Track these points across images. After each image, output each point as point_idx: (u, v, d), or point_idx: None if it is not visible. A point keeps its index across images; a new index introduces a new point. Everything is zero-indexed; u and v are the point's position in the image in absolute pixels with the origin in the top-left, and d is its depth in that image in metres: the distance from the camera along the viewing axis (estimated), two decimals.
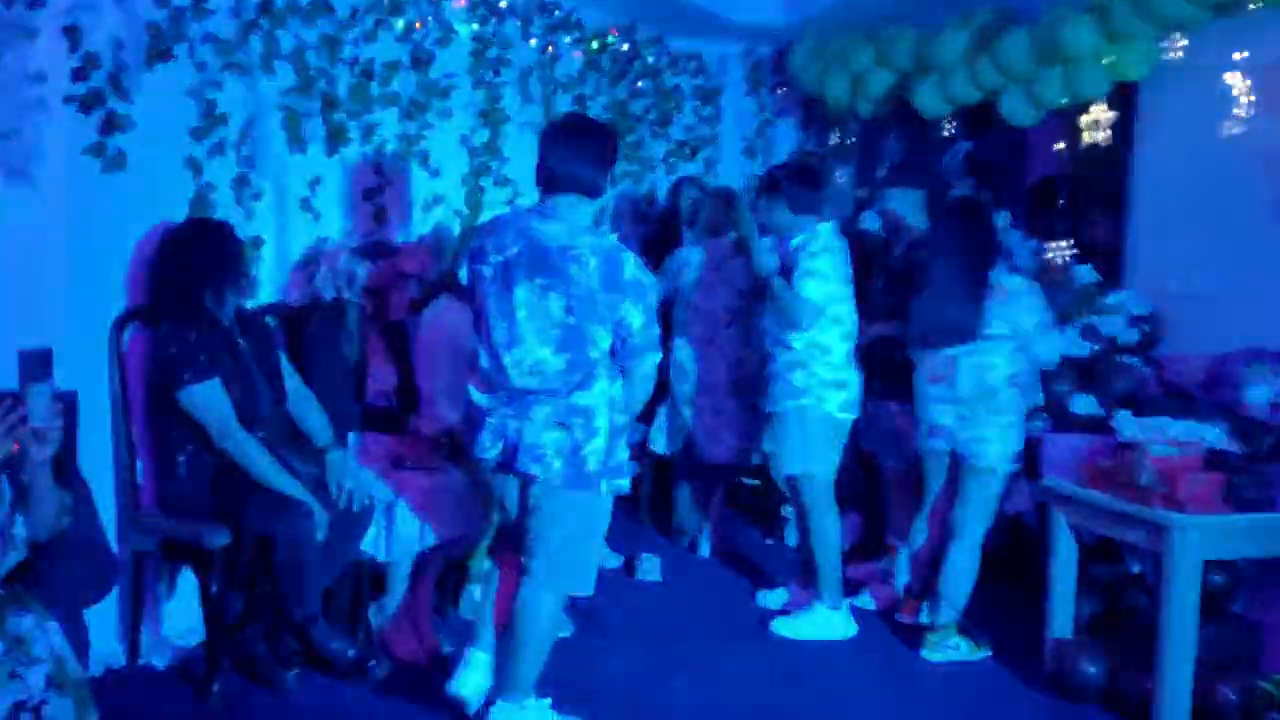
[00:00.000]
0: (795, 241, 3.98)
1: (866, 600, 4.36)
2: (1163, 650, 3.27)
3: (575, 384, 2.86)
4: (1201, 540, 3.24)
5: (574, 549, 2.98)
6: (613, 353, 2.93)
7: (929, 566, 4.12)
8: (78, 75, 3.21)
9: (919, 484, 4.19)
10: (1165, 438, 3.36)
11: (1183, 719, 3.27)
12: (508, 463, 2.94)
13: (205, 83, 3.63)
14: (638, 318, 2.89)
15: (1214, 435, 3.41)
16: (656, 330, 2.97)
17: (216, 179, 3.69)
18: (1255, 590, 3.69)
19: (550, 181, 2.90)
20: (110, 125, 3.28)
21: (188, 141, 3.62)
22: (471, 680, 3.17)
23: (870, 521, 4.97)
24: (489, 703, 3.10)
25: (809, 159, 5.65)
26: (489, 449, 2.97)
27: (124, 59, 3.32)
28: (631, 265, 2.89)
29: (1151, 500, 3.29)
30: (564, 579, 3.02)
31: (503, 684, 3.05)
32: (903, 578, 4.37)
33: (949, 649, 3.87)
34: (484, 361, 2.94)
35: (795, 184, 4.00)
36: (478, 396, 2.99)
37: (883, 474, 4.69)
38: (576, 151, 2.90)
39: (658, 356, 2.99)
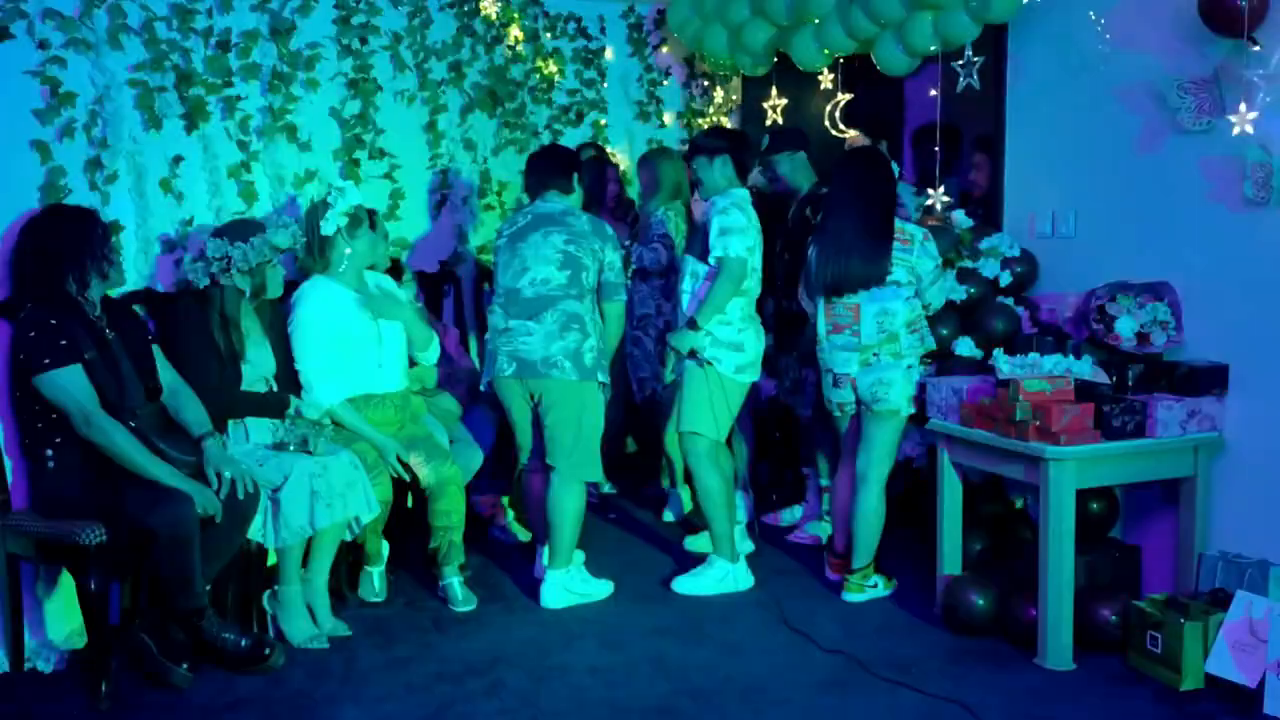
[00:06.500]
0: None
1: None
2: (1044, 577, 3.39)
3: (573, 295, 3.89)
4: (1075, 469, 3.35)
5: (584, 445, 3.95)
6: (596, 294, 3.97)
7: (848, 520, 4.18)
8: None
9: (826, 427, 4.30)
10: (1038, 373, 3.45)
11: (1065, 642, 3.40)
12: (526, 376, 3.89)
13: (48, 61, 3.47)
14: (617, 259, 4.02)
15: (1083, 368, 3.52)
16: (625, 280, 4.07)
17: (67, 162, 3.55)
18: (1131, 515, 3.83)
19: (533, 188, 4.11)
20: None
21: (33, 124, 3.46)
22: (553, 595, 3.99)
23: (778, 469, 5.10)
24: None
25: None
26: (507, 369, 3.90)
27: None
28: (609, 228, 4.06)
29: (1027, 434, 3.38)
30: (581, 470, 3.96)
31: (551, 558, 3.98)
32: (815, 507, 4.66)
33: (869, 588, 3.99)
34: (500, 299, 3.97)
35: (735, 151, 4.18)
36: (497, 319, 3.96)
37: (798, 422, 4.79)
38: (545, 168, 4.09)
39: (625, 299, 4.08)
